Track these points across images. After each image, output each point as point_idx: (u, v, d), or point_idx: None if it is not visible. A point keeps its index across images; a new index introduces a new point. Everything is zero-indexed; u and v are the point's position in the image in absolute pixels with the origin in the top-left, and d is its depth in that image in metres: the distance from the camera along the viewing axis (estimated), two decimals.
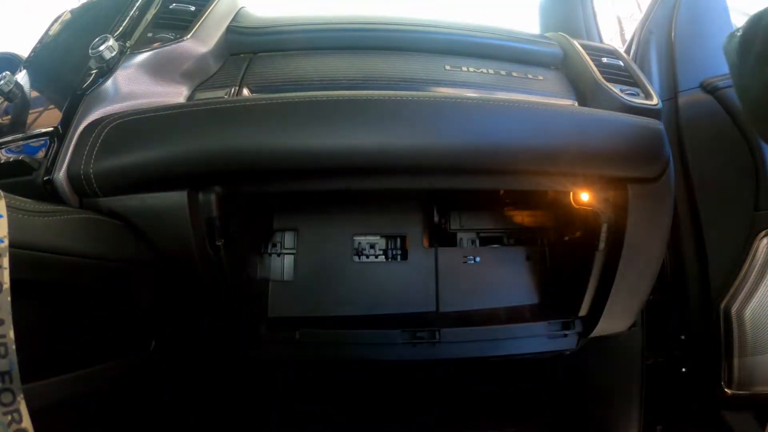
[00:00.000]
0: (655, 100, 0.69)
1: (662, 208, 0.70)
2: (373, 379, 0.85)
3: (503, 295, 0.83)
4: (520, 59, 0.78)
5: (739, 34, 0.51)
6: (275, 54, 0.73)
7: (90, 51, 0.59)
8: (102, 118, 0.57)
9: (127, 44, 0.64)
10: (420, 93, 0.62)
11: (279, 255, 0.80)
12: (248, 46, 0.73)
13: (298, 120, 0.55)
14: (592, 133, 0.62)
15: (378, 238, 0.83)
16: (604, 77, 0.71)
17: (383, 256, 0.83)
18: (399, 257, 0.83)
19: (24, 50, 0.88)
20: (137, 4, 0.70)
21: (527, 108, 0.61)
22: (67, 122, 0.58)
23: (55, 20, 0.79)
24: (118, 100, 0.60)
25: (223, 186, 0.60)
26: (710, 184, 0.83)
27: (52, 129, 0.58)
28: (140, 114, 0.57)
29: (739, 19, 0.93)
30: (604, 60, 0.76)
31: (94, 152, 0.54)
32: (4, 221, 0.36)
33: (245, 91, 0.66)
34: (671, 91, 0.89)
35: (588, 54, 0.76)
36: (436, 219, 0.84)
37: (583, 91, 0.73)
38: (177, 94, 0.64)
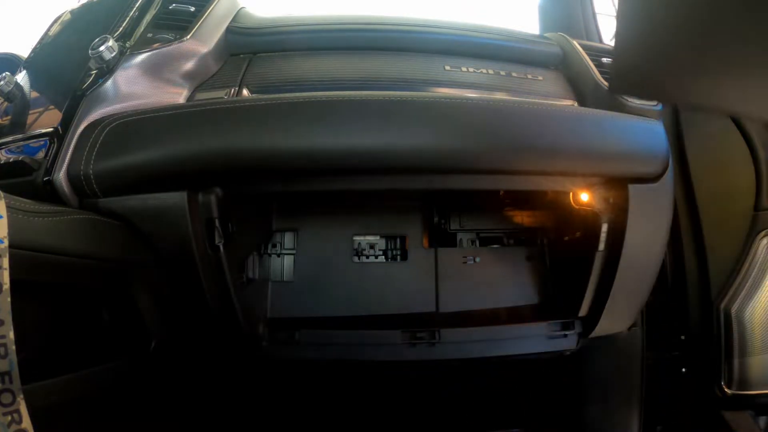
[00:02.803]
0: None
1: (662, 208, 0.69)
2: (372, 379, 0.85)
3: (503, 296, 0.83)
4: (519, 59, 0.78)
5: None
6: (275, 54, 0.73)
7: (90, 51, 0.59)
8: (102, 118, 0.58)
9: (127, 45, 0.64)
10: (419, 93, 0.62)
11: (279, 255, 0.80)
12: (248, 46, 0.73)
13: (298, 120, 0.55)
14: (592, 133, 0.62)
15: (378, 238, 0.83)
16: (604, 77, 0.71)
17: (383, 257, 0.83)
18: (399, 257, 0.83)
19: (24, 50, 0.89)
20: (137, 5, 0.70)
21: (527, 108, 0.61)
22: (67, 123, 0.58)
23: (55, 20, 0.80)
24: (118, 101, 0.60)
25: (223, 186, 0.60)
26: (710, 184, 0.83)
27: (52, 129, 0.58)
28: (140, 114, 0.57)
29: None
30: (604, 60, 0.76)
31: (94, 153, 0.54)
32: (4, 222, 0.36)
33: (245, 92, 0.66)
34: None
35: (588, 54, 0.76)
36: (435, 219, 0.84)
37: (583, 91, 0.73)
38: (177, 94, 0.64)
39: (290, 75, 0.69)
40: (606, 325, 0.74)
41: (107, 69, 0.60)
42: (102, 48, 0.59)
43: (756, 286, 0.78)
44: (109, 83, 0.60)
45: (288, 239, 0.81)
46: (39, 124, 0.64)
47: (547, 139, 0.59)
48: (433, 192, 0.82)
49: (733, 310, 0.78)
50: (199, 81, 0.67)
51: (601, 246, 0.69)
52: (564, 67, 0.79)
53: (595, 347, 0.80)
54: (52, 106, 0.66)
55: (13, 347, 0.35)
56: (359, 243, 0.82)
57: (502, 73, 0.75)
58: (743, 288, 0.79)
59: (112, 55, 0.60)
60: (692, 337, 0.84)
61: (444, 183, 0.64)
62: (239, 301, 0.64)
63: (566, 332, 0.75)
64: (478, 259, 0.84)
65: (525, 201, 0.85)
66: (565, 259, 0.81)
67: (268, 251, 0.80)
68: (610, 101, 0.68)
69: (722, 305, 0.79)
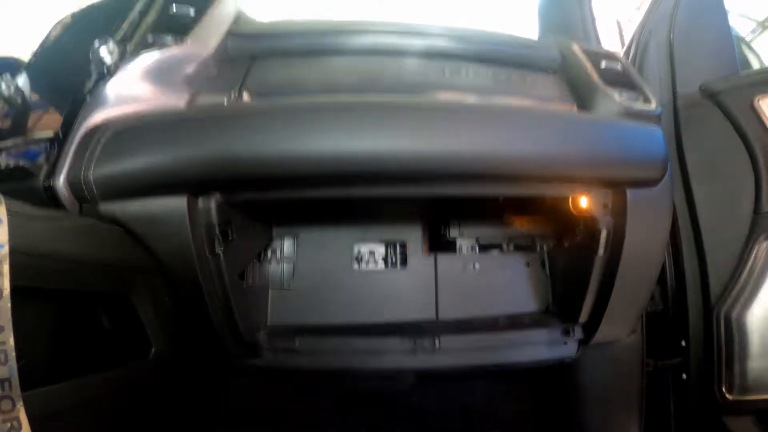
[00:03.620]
0: (653, 104, 0.69)
1: (661, 212, 0.70)
2: (372, 386, 0.85)
3: (503, 302, 0.83)
4: (519, 63, 0.78)
5: None
6: (275, 59, 0.73)
7: (90, 55, 0.59)
8: (102, 123, 0.58)
9: (128, 48, 0.64)
10: (419, 98, 0.62)
11: (279, 262, 0.80)
12: (248, 50, 0.73)
13: (298, 125, 0.55)
14: (591, 137, 0.62)
15: (378, 245, 0.83)
16: (602, 81, 0.71)
17: (383, 264, 0.83)
18: (399, 264, 0.83)
19: (25, 54, 0.89)
20: (137, 8, 0.70)
21: (526, 113, 0.61)
22: (67, 127, 0.58)
23: (56, 24, 0.80)
24: (118, 105, 0.60)
25: (223, 192, 0.60)
26: (709, 188, 0.83)
27: (52, 134, 0.58)
28: (140, 119, 0.57)
29: (737, 22, 0.93)
30: (603, 64, 0.76)
31: (94, 157, 0.54)
32: (4, 227, 0.36)
33: (245, 96, 0.66)
34: (670, 95, 0.89)
35: (586, 58, 0.77)
36: (435, 226, 0.84)
37: (582, 95, 0.73)
38: (177, 98, 0.64)
39: (290, 79, 0.69)
40: (606, 331, 0.74)
41: (108, 72, 0.60)
42: (102, 51, 0.59)
43: (756, 290, 0.78)
44: (109, 87, 0.60)
45: (288, 246, 0.81)
46: (40, 127, 0.64)
47: (546, 144, 0.59)
48: (433, 199, 0.82)
49: (734, 314, 0.78)
50: (199, 85, 0.67)
51: (601, 251, 0.69)
52: (563, 70, 0.79)
53: (595, 354, 0.80)
54: (52, 110, 0.66)
55: (13, 354, 0.35)
56: (359, 250, 0.82)
57: (502, 77, 0.75)
58: (743, 292, 0.78)
59: (113, 58, 0.60)
60: (692, 343, 0.84)
61: (443, 189, 0.64)
62: (239, 308, 0.64)
63: (566, 339, 0.75)
64: (477, 266, 0.84)
65: (524, 207, 0.85)
66: (565, 264, 0.81)
67: (268, 258, 0.80)
68: (609, 105, 0.68)
69: (722, 310, 0.79)
